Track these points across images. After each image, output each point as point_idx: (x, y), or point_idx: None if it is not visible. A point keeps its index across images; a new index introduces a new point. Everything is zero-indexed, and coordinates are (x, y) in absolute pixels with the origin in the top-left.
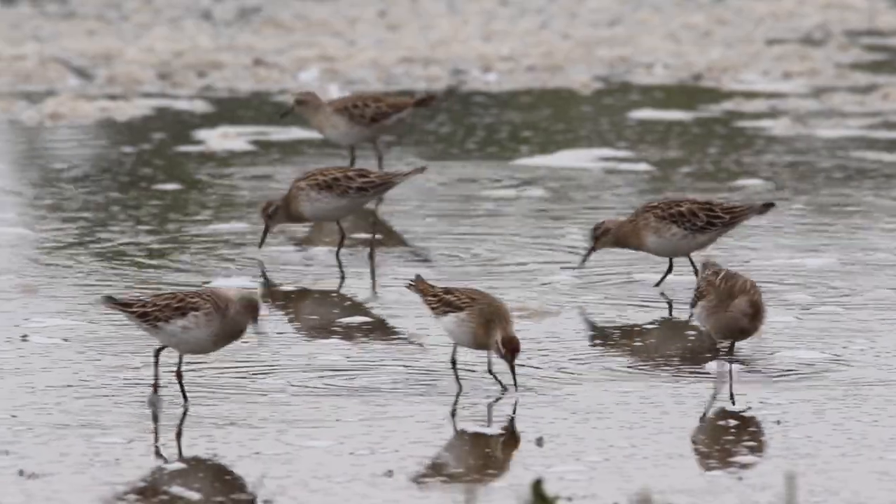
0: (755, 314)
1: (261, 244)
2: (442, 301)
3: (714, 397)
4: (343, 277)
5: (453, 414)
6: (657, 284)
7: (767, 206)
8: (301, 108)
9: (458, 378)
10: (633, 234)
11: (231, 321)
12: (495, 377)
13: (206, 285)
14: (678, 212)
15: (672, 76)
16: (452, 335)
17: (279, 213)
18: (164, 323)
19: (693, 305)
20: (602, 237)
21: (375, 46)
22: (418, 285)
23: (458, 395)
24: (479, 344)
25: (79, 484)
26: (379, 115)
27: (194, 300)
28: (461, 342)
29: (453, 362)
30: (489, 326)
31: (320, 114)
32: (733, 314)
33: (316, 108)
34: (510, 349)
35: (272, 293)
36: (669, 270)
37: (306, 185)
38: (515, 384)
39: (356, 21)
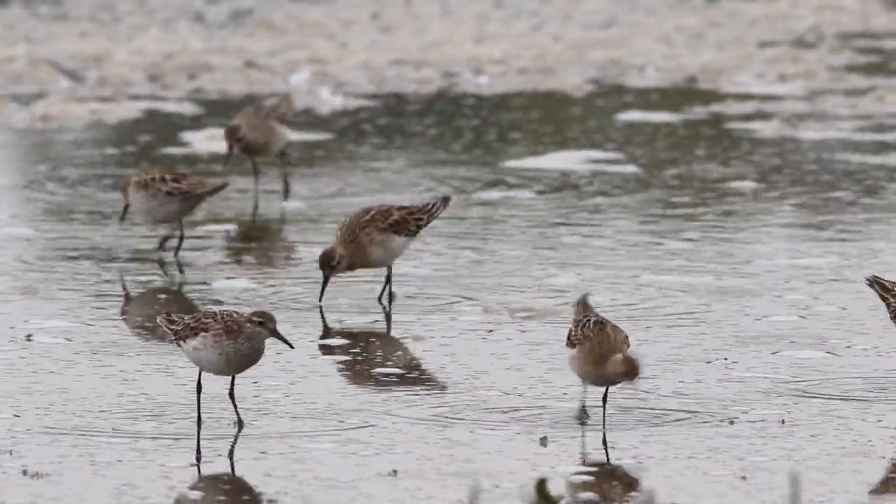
0: (629, 371)
1: (122, 218)
2: (567, 335)
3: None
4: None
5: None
6: (380, 298)
7: (447, 200)
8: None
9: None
10: (360, 254)
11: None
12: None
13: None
14: (394, 221)
15: (664, 78)
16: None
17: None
18: None
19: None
20: (339, 265)
21: (367, 48)
22: (576, 307)
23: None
24: (592, 380)
25: (82, 484)
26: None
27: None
28: (578, 377)
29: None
30: (599, 362)
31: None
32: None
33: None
34: (628, 373)
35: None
36: (389, 279)
37: (134, 181)
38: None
39: (350, 23)
